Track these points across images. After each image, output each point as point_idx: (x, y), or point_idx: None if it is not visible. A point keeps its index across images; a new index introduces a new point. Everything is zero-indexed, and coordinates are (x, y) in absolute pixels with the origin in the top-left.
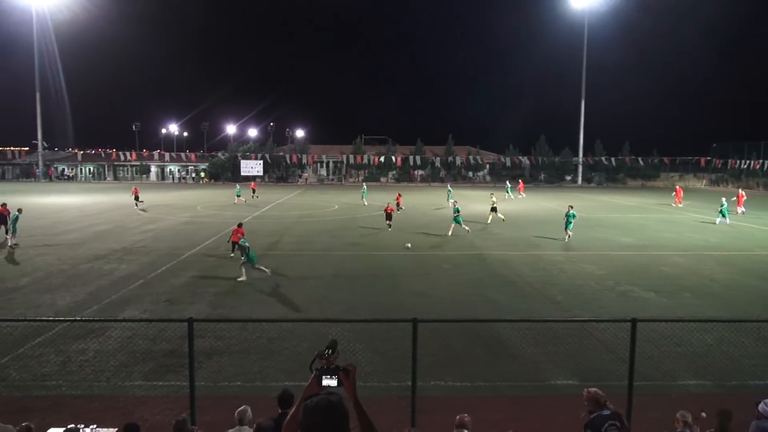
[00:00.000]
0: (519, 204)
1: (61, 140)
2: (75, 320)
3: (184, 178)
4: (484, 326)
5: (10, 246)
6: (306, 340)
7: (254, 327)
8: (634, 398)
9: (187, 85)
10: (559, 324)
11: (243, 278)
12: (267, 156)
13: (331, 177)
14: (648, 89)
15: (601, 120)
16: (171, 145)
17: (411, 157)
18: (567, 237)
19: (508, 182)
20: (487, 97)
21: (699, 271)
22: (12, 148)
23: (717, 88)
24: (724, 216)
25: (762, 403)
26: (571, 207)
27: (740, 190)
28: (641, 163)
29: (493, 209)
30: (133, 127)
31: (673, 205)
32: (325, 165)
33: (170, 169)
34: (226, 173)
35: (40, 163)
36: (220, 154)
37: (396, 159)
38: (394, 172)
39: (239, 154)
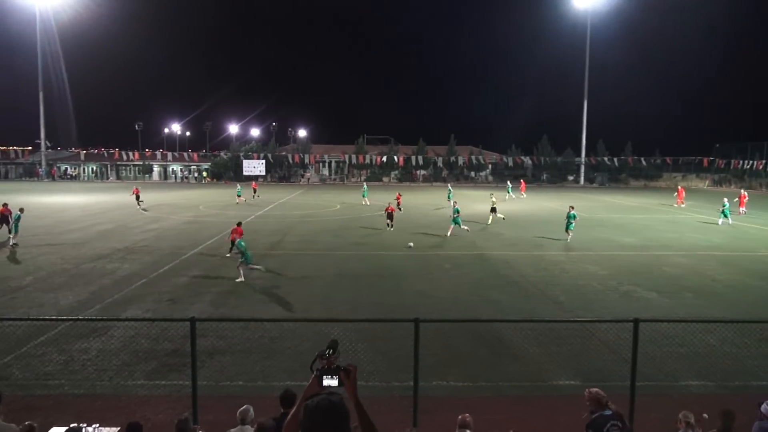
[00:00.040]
0: (520, 204)
1: (64, 140)
2: (78, 319)
3: (186, 177)
4: (486, 326)
5: (11, 245)
6: (308, 340)
7: (256, 326)
8: (637, 399)
9: (190, 85)
10: (561, 324)
11: (241, 279)
12: (269, 156)
13: (333, 177)
14: (651, 89)
15: (604, 120)
16: (173, 145)
17: (413, 157)
18: (568, 238)
19: (509, 182)
20: (489, 97)
21: (701, 272)
22: (15, 148)
23: (720, 88)
24: (726, 216)
25: (765, 403)
26: (572, 207)
27: (742, 191)
28: (644, 163)
29: (493, 210)
30: (136, 126)
31: (675, 205)
32: (327, 165)
33: (173, 169)
34: (228, 173)
35: (43, 163)
36: (222, 153)
37: (398, 159)
38: (397, 171)
39: (242, 154)
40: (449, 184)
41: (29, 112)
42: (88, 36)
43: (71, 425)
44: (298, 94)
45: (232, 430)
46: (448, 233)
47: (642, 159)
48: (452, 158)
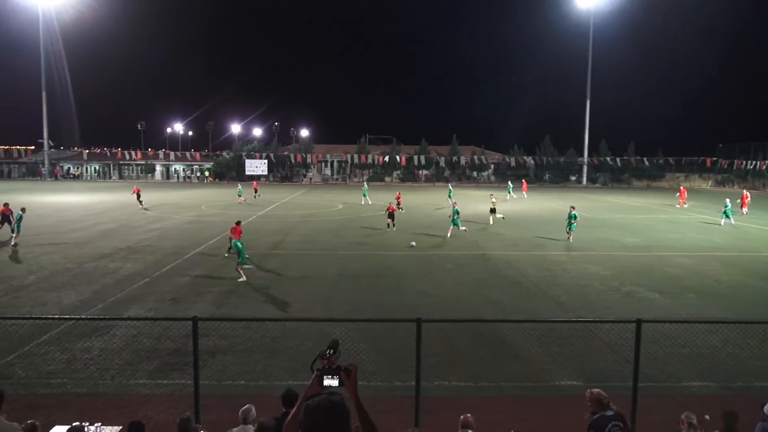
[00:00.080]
0: (522, 204)
1: (66, 139)
2: (80, 318)
3: (189, 177)
4: (488, 326)
5: (13, 245)
6: (310, 340)
7: (258, 326)
8: (639, 399)
9: (192, 85)
10: (563, 324)
11: (243, 279)
12: (271, 155)
13: (335, 176)
14: (654, 89)
15: (607, 120)
16: (176, 145)
17: (415, 157)
18: (569, 238)
19: (510, 182)
20: (492, 97)
21: (704, 272)
22: (18, 147)
23: (723, 88)
24: (728, 217)
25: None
26: (573, 207)
27: (744, 191)
28: (646, 163)
29: (492, 210)
30: (139, 126)
31: (677, 206)
32: (329, 164)
33: (175, 168)
34: (230, 172)
35: (46, 162)
36: (224, 153)
37: (400, 159)
38: (399, 171)
39: (244, 154)
40: (450, 184)
41: (32, 112)
42: (91, 36)
43: (73, 424)
44: (300, 93)
45: (234, 429)
46: (449, 234)
47: (645, 159)
48: (454, 158)
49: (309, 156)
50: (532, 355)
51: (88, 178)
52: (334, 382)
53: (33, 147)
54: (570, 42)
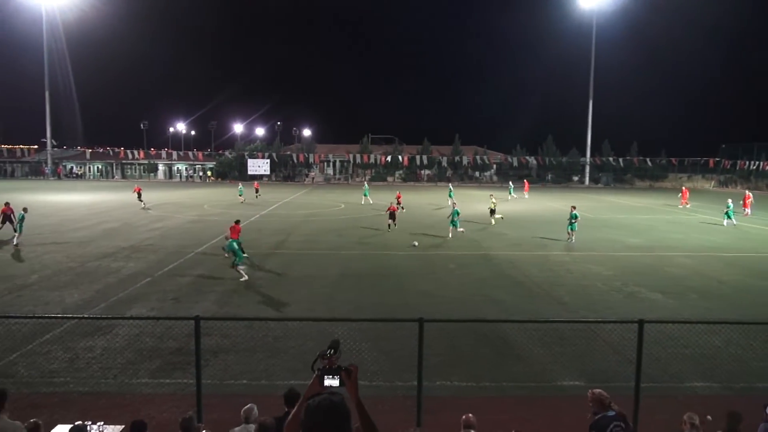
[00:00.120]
0: (524, 204)
1: (69, 138)
2: (83, 317)
3: (191, 176)
4: (491, 326)
5: (15, 245)
6: (312, 339)
7: (260, 325)
8: (641, 400)
9: (195, 84)
10: (565, 325)
11: (244, 278)
12: (274, 155)
13: (337, 176)
14: (656, 89)
15: (609, 120)
16: (179, 144)
17: (418, 157)
18: (570, 238)
19: (511, 183)
20: (494, 97)
21: (706, 273)
22: (21, 146)
23: (726, 89)
24: (729, 217)
25: None
26: (574, 207)
27: (746, 192)
28: (649, 163)
29: (492, 211)
30: (141, 125)
31: (680, 206)
32: (331, 164)
33: (178, 168)
34: (233, 172)
35: (49, 161)
36: (227, 152)
37: (403, 158)
38: (401, 171)
39: (246, 153)
40: (450, 184)
41: (35, 111)
42: (94, 35)
43: (76, 423)
44: (302, 93)
45: (236, 428)
46: (449, 235)
47: (647, 159)
48: (457, 158)
49: (311, 156)
50: (535, 355)
51: (91, 177)
52: (335, 382)
53: (36, 146)
54: (573, 42)
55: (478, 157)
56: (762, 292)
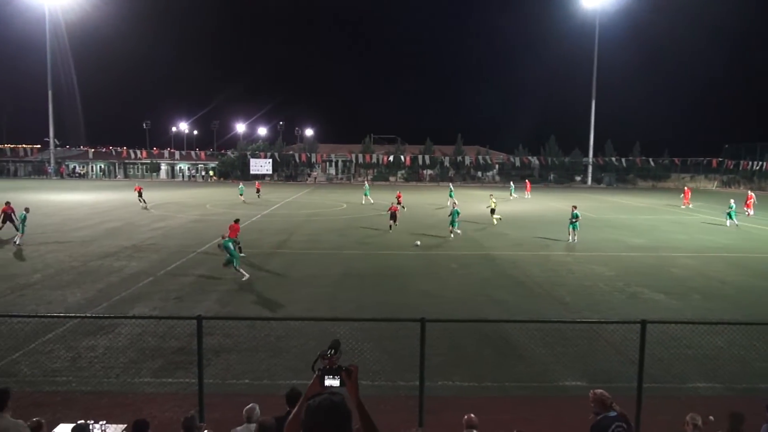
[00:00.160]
0: (526, 204)
1: (72, 138)
2: (85, 317)
3: (193, 176)
4: (493, 326)
5: (18, 244)
6: (314, 339)
7: (262, 325)
8: (644, 400)
9: (198, 84)
10: (567, 325)
11: (246, 276)
12: (276, 154)
13: (340, 176)
14: (659, 89)
15: (612, 120)
16: (181, 143)
17: (420, 157)
18: (570, 238)
19: (512, 183)
20: (497, 97)
21: (709, 273)
22: (24, 146)
23: (729, 89)
24: (731, 218)
25: None
26: (575, 207)
27: (749, 192)
28: (652, 163)
29: (492, 211)
30: (144, 125)
31: (683, 206)
32: (334, 164)
33: (180, 167)
34: (235, 172)
35: (52, 161)
36: (229, 152)
37: (405, 158)
38: (403, 171)
39: (249, 153)
40: (450, 184)
41: (38, 111)
42: (97, 35)
43: (78, 422)
44: (305, 93)
45: (238, 428)
46: (451, 235)
47: (650, 159)
48: (459, 158)
49: (313, 155)
50: (537, 355)
51: (94, 176)
52: (336, 383)
53: (39, 146)
54: (575, 42)
55: (480, 157)
56: (765, 293)
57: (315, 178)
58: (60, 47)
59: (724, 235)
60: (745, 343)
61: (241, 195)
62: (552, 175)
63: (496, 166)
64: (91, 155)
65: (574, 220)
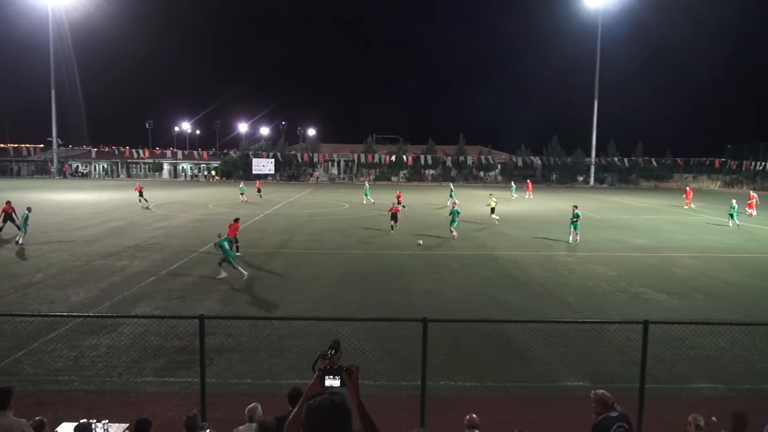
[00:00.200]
0: (529, 204)
1: (75, 137)
2: (88, 316)
3: (196, 175)
4: (495, 326)
5: (20, 244)
6: (316, 339)
7: (264, 325)
8: (646, 401)
9: (200, 84)
10: (570, 325)
11: (245, 274)
12: (278, 154)
13: (342, 176)
14: (662, 89)
15: (615, 120)
16: (183, 143)
17: (422, 157)
18: (571, 238)
19: (513, 183)
20: (499, 97)
21: (711, 273)
22: (27, 145)
23: (732, 89)
24: (733, 218)
25: None
26: (576, 207)
27: (751, 192)
28: (654, 164)
29: (492, 210)
30: (147, 124)
31: (685, 207)
32: (336, 164)
33: (183, 167)
34: (237, 171)
35: (55, 160)
36: (232, 152)
37: (407, 158)
38: (405, 171)
39: (251, 153)
40: (451, 184)
41: (41, 110)
42: (100, 35)
43: (81, 421)
44: (307, 93)
45: (241, 427)
46: (454, 235)
47: (653, 160)
48: (461, 158)
49: (316, 155)
50: (539, 355)
51: (97, 176)
52: (336, 383)
53: (42, 145)
54: (578, 42)
55: (482, 157)
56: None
57: (317, 178)
58: (63, 47)
59: (727, 235)
60: (747, 343)
61: (242, 194)
62: (554, 175)
63: (499, 166)
64: (93, 155)
65: (575, 220)
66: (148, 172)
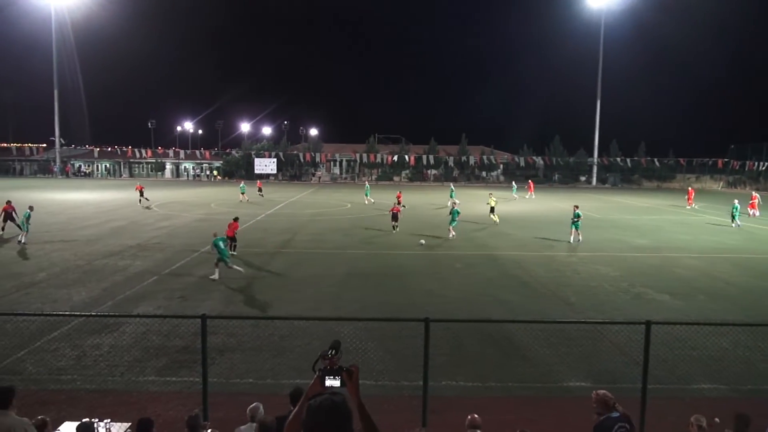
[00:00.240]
0: (530, 204)
1: (78, 137)
2: (90, 315)
3: (198, 175)
4: (496, 326)
5: (23, 243)
6: (318, 339)
7: (266, 324)
8: (648, 402)
9: (202, 84)
10: (572, 325)
11: (241, 270)
12: (281, 154)
13: (344, 176)
14: (665, 89)
15: (617, 120)
16: (186, 143)
17: (424, 157)
18: (572, 238)
19: (514, 183)
20: (501, 97)
21: (714, 274)
22: (30, 145)
23: (735, 89)
24: (734, 218)
25: None
26: (577, 207)
27: (753, 192)
28: (657, 164)
29: (492, 210)
30: (149, 124)
31: (687, 207)
32: (338, 164)
33: (185, 167)
34: (240, 171)
35: (58, 160)
36: (234, 151)
37: (409, 158)
38: (408, 171)
39: (253, 152)
40: (451, 184)
41: (44, 110)
42: (102, 34)
43: (83, 420)
44: (308, 93)
45: (242, 427)
46: (452, 234)
47: (655, 160)
48: (463, 158)
49: (318, 155)
50: (541, 355)
51: (99, 175)
52: (336, 383)
53: (45, 145)
54: (580, 41)
55: (485, 157)
56: None
57: (319, 177)
58: (66, 47)
59: (729, 235)
60: (750, 344)
61: (243, 194)
62: (556, 176)
63: (501, 166)
64: (96, 154)
65: (575, 220)
66: (150, 172)
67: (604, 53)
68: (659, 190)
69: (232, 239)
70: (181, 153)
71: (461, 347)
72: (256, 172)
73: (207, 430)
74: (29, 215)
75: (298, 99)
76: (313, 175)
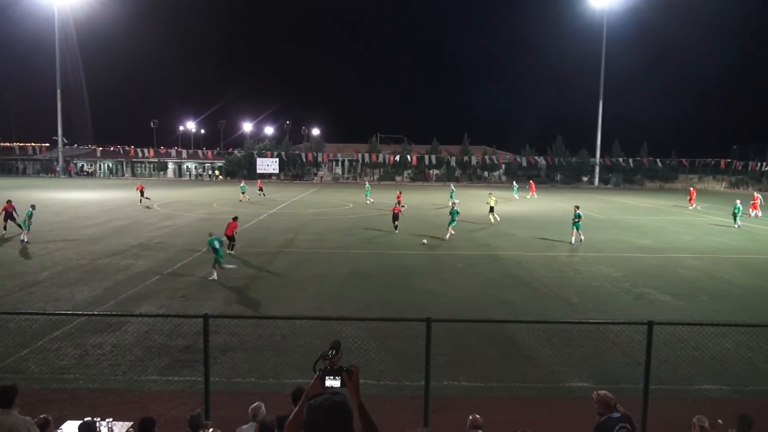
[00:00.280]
0: (532, 204)
1: (80, 137)
2: (93, 314)
3: (200, 175)
4: (498, 327)
5: (26, 242)
6: (320, 338)
7: (268, 324)
8: (650, 402)
9: (204, 84)
10: (574, 326)
11: (233, 266)
12: (283, 154)
13: (346, 175)
14: (667, 90)
15: (620, 120)
16: (188, 143)
17: (426, 157)
18: (573, 238)
19: (515, 183)
20: (504, 96)
21: (716, 274)
22: (33, 144)
23: (738, 89)
24: (736, 219)
25: None
26: (577, 207)
27: (755, 193)
28: (659, 164)
29: (491, 209)
30: (151, 124)
31: (689, 207)
32: (340, 163)
33: (187, 166)
34: (242, 171)
35: (60, 159)
36: (236, 151)
37: (411, 158)
38: (409, 171)
39: (255, 152)
40: (452, 184)
41: (47, 110)
42: (105, 34)
43: (85, 419)
44: (312, 93)
45: (244, 426)
46: (449, 234)
47: (657, 160)
48: (465, 158)
49: (320, 155)
50: (543, 356)
51: (102, 175)
52: (336, 383)
53: (48, 144)
54: (583, 42)
55: (487, 157)
56: None
57: (321, 177)
58: (69, 46)
59: (731, 236)
60: (752, 344)
61: (243, 193)
62: (559, 176)
63: (503, 166)
64: (99, 154)
65: (576, 220)
66: (152, 172)
67: (606, 53)
68: (662, 190)
69: (230, 238)
70: (184, 153)
71: (463, 347)
72: (258, 171)
73: (209, 429)
74: (31, 213)
75: (300, 99)
76: (315, 174)
